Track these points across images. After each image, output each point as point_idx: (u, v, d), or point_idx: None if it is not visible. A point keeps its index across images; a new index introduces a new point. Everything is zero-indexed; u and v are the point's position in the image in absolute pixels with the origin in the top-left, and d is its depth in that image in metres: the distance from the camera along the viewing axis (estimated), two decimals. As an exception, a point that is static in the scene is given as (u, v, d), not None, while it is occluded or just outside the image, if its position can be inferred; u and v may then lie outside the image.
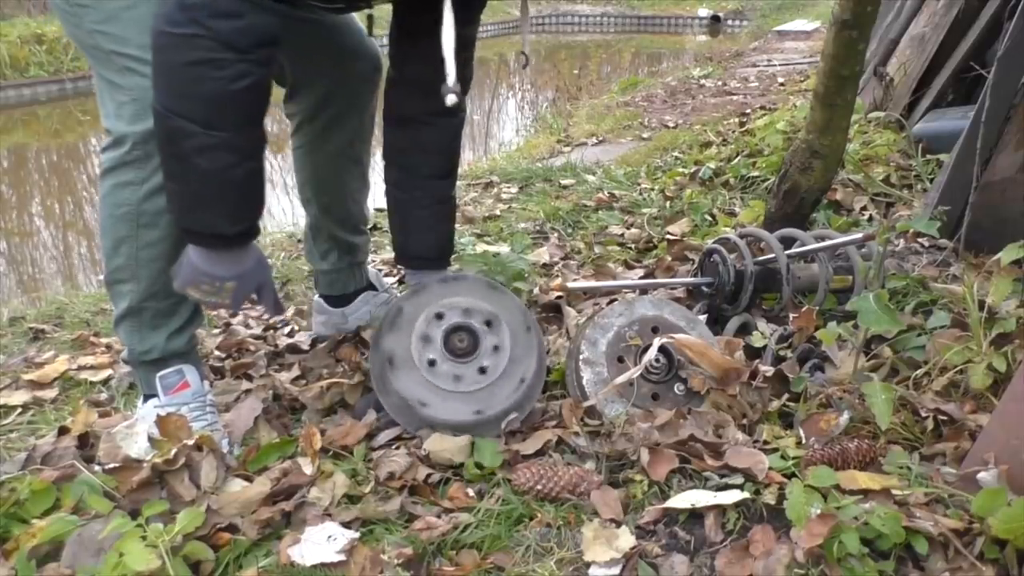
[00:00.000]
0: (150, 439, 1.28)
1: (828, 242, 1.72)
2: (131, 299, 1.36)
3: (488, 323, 1.44)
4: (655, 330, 1.50)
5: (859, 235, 1.68)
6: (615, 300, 1.57)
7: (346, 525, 1.15)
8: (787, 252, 1.71)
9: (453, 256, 2.35)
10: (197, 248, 1.27)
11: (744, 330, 1.68)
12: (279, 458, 1.33)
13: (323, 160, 1.68)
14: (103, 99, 1.29)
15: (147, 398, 1.43)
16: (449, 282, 1.49)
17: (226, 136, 1.18)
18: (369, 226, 1.84)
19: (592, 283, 1.94)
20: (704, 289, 1.77)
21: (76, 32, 1.29)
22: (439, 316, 1.44)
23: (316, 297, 1.86)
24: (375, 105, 1.67)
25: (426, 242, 1.58)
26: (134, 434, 1.33)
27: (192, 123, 1.15)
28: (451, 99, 1.26)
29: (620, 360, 1.46)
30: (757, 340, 1.56)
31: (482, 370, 1.42)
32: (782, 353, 1.55)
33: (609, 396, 1.39)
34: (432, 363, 1.40)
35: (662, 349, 1.43)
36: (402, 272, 2.09)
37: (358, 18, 1.62)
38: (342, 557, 1.07)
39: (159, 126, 1.18)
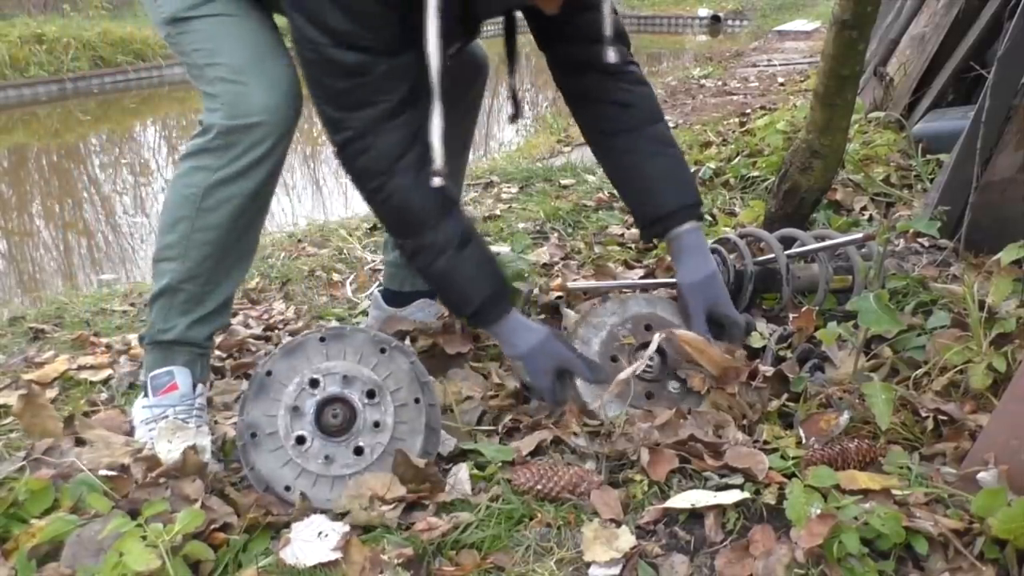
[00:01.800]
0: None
1: (828, 242, 1.72)
2: (171, 277, 1.41)
3: (370, 394, 1.28)
4: (648, 328, 1.48)
5: (859, 235, 1.68)
6: (608, 298, 1.56)
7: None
8: (787, 252, 1.71)
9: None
10: (488, 330, 1.46)
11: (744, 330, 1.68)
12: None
13: None
14: (204, 106, 1.40)
15: (144, 394, 1.45)
16: (330, 340, 1.30)
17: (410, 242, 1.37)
18: None
19: (592, 283, 1.94)
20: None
21: (182, 57, 1.42)
22: (314, 383, 1.27)
23: (376, 290, 1.87)
24: (474, 115, 1.76)
25: (681, 186, 1.52)
26: (171, 440, 1.33)
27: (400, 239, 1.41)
28: (611, 55, 1.37)
29: (614, 359, 1.45)
30: (756, 341, 1.56)
31: (358, 451, 1.26)
32: (782, 353, 1.55)
33: (606, 396, 1.38)
34: (301, 440, 1.25)
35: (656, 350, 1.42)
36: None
37: None
38: (338, 554, 1.07)
39: (410, 246, 1.39)
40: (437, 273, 1.37)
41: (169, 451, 1.29)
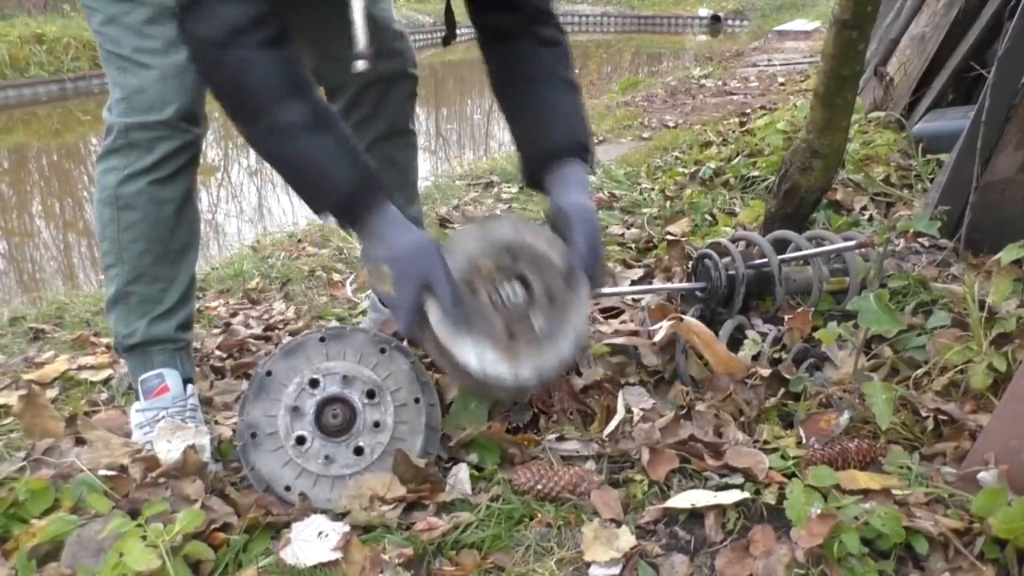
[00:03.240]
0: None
1: (821, 248, 1.72)
2: (118, 283, 1.41)
3: (370, 394, 1.27)
4: (514, 257, 1.31)
5: (853, 242, 1.67)
6: (472, 223, 1.45)
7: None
8: (782, 256, 1.72)
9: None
10: (354, 230, 1.26)
11: (739, 332, 1.68)
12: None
13: None
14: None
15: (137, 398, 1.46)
16: (330, 340, 1.29)
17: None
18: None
19: None
20: (698, 294, 1.78)
21: (91, 29, 1.37)
22: (314, 383, 1.26)
23: (372, 294, 1.87)
24: (411, 106, 1.68)
25: (573, 128, 1.40)
26: (170, 440, 1.33)
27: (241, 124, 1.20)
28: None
29: (472, 291, 1.27)
30: (749, 348, 1.55)
31: (358, 451, 1.25)
32: (776, 355, 1.55)
33: (460, 335, 1.22)
34: (301, 440, 1.24)
35: (519, 279, 1.27)
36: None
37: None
38: (339, 554, 1.07)
39: (253, 133, 1.21)
40: (287, 159, 1.20)
41: (169, 451, 1.29)
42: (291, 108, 1.18)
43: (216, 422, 1.49)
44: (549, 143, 1.38)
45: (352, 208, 1.22)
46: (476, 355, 1.21)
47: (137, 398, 1.45)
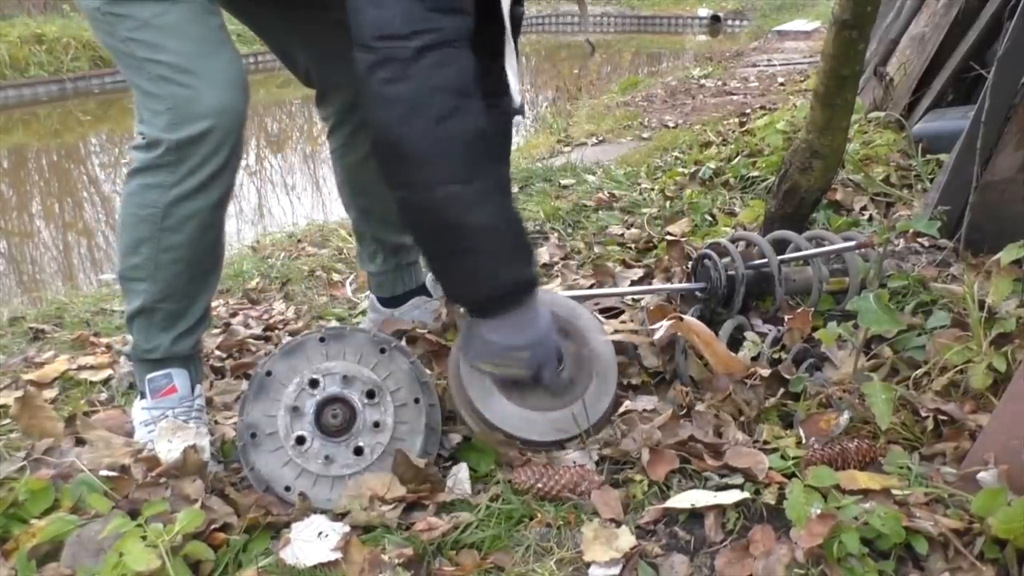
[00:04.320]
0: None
1: (821, 248, 1.72)
2: (144, 299, 1.35)
3: (370, 394, 1.26)
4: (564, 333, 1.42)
5: (853, 242, 1.67)
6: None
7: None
8: (782, 256, 1.72)
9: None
10: (488, 320, 1.23)
11: (739, 332, 1.68)
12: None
13: (356, 163, 1.65)
14: (137, 106, 1.28)
15: (142, 396, 1.44)
16: (330, 341, 1.29)
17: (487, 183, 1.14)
18: None
19: (585, 292, 1.94)
20: (698, 294, 1.78)
21: (109, 40, 1.27)
22: (313, 384, 1.26)
23: (371, 295, 1.86)
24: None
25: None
26: (171, 440, 1.33)
27: (456, 183, 1.11)
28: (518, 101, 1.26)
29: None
30: (749, 348, 1.55)
31: (358, 451, 1.24)
32: (776, 355, 1.55)
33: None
34: (300, 440, 1.24)
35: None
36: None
37: None
38: (338, 555, 1.07)
39: (422, 214, 1.14)
40: (477, 226, 1.13)
41: (169, 451, 1.29)
42: (500, 169, 1.18)
43: (216, 422, 1.49)
44: None
45: (511, 301, 1.21)
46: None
47: (143, 396, 1.43)
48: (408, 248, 1.77)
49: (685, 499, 1.17)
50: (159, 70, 1.22)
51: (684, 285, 1.84)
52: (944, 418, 1.30)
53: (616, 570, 1.07)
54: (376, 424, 1.26)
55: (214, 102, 1.20)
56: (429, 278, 1.86)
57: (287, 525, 1.17)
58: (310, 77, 1.58)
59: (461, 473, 1.28)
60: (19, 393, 1.44)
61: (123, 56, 1.26)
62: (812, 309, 1.64)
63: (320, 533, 1.12)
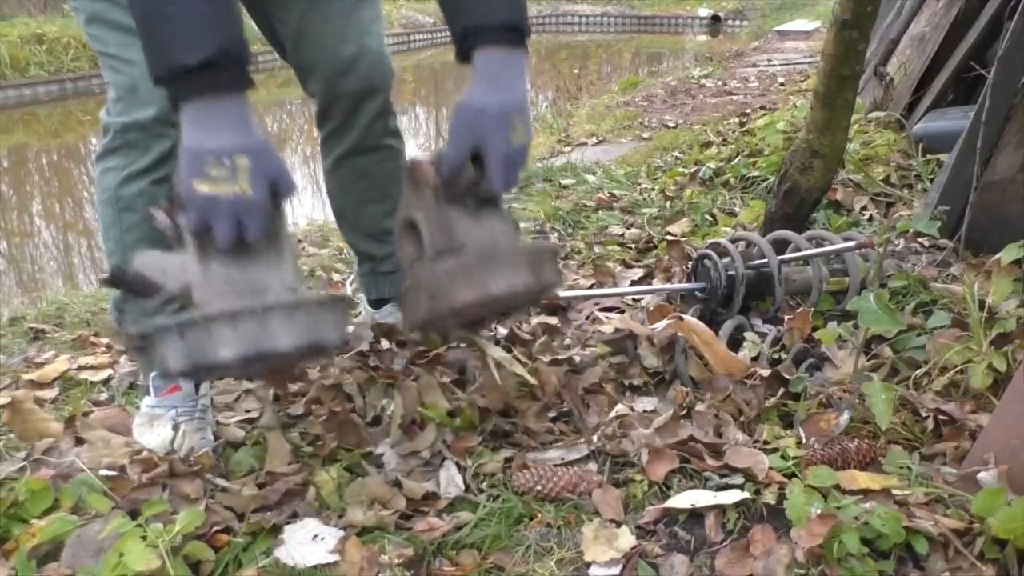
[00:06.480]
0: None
1: (821, 248, 1.72)
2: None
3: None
4: None
5: (853, 243, 1.67)
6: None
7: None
8: (782, 257, 1.72)
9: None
10: (183, 113, 1.00)
11: (739, 332, 1.68)
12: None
13: (329, 166, 1.65)
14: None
15: (146, 393, 1.45)
16: None
17: None
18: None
19: (585, 292, 1.94)
20: (698, 294, 1.78)
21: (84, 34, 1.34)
22: None
23: (361, 295, 1.86)
24: (382, 124, 1.56)
25: (492, 6, 1.14)
26: (152, 427, 1.33)
27: None
28: None
29: None
30: (749, 348, 1.55)
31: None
32: (776, 356, 1.55)
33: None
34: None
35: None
36: None
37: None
38: (336, 557, 1.07)
39: None
40: None
41: (157, 436, 1.31)
42: None
43: (217, 422, 1.49)
44: (463, 26, 1.15)
45: (217, 79, 0.98)
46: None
47: (147, 394, 1.44)
48: (380, 258, 1.74)
49: (685, 499, 1.17)
50: (109, 62, 1.29)
51: (684, 285, 1.84)
52: (944, 418, 1.30)
53: (616, 570, 1.07)
54: None
55: (153, 91, 1.11)
56: None
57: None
58: (287, 60, 1.52)
59: (451, 471, 1.28)
60: (5, 401, 1.43)
61: (94, 48, 1.32)
62: (812, 309, 1.64)
63: (315, 536, 1.12)
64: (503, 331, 1.74)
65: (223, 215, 1.00)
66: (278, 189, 1.04)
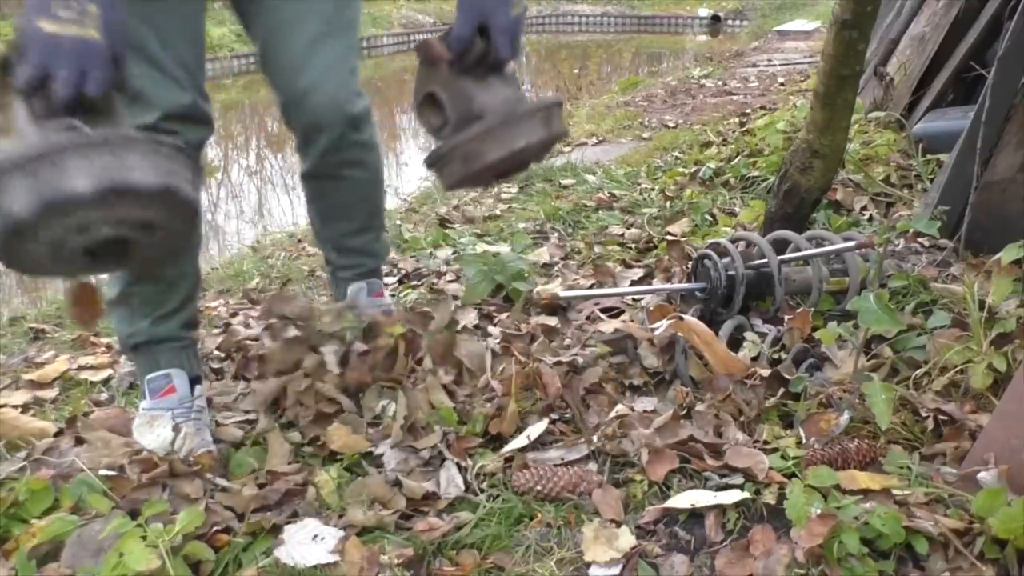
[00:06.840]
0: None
1: (821, 248, 1.72)
2: (120, 285, 1.39)
3: None
4: None
5: (853, 243, 1.67)
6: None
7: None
8: (782, 257, 1.72)
9: (454, 255, 2.35)
10: None
11: (739, 332, 1.68)
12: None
13: (302, 173, 1.61)
14: None
15: (143, 396, 1.45)
16: None
17: None
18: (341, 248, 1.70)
19: (585, 292, 1.94)
20: (698, 294, 1.78)
21: None
22: None
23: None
24: (336, 159, 1.49)
25: None
26: (152, 427, 1.34)
27: None
28: None
29: None
30: (749, 348, 1.55)
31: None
32: (776, 356, 1.55)
33: None
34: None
35: None
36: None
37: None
38: (336, 557, 1.08)
39: None
40: None
41: (157, 437, 1.31)
42: None
43: (217, 423, 1.49)
44: None
45: None
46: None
47: (143, 397, 1.44)
48: (339, 267, 1.72)
49: (685, 499, 1.17)
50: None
51: (684, 285, 1.84)
52: (944, 418, 1.30)
53: (616, 570, 1.07)
54: None
55: (159, 94, 1.22)
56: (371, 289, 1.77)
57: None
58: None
59: (451, 471, 1.28)
60: (21, 391, 1.44)
61: None
62: (812, 309, 1.64)
63: (315, 536, 1.12)
64: (496, 331, 1.74)
65: (65, 58, 0.91)
66: (117, 58, 0.97)
